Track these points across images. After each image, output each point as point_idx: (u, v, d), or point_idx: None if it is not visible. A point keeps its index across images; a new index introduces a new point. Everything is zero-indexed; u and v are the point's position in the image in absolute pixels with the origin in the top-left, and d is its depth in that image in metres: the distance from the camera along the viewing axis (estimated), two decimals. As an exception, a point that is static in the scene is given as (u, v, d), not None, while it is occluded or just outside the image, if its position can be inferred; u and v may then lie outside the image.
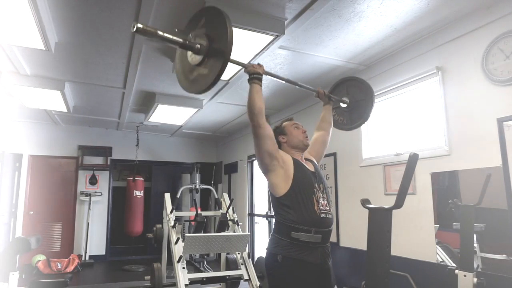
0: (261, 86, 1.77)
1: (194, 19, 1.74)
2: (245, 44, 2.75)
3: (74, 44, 3.04)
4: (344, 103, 2.40)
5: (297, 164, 1.83)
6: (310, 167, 1.92)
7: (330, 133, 2.25)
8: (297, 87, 2.22)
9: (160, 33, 1.52)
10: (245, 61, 3.07)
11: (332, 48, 3.04)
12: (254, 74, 1.76)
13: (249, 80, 1.77)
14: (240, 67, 3.23)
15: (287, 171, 1.77)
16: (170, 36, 1.58)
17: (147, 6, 2.41)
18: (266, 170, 1.79)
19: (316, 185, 1.82)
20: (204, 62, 1.64)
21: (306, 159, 1.98)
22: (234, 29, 2.45)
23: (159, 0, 2.35)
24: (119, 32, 2.82)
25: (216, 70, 1.57)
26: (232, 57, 1.60)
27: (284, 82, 2.16)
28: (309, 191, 1.77)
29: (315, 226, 1.71)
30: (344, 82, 2.50)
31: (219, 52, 1.56)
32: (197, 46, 1.63)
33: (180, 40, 1.62)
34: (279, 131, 1.96)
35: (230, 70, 3.34)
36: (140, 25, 1.44)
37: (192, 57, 1.69)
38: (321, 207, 1.77)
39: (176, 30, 1.74)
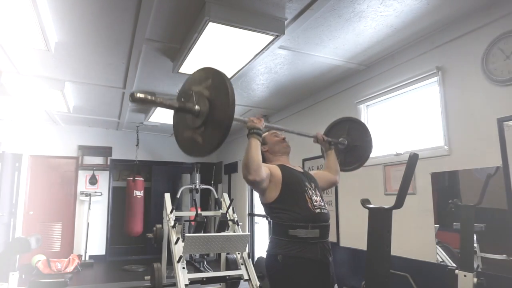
0: (260, 141, 1.76)
1: (200, 74, 1.64)
2: (245, 44, 2.76)
3: (74, 44, 3.04)
4: (342, 144, 2.36)
5: (284, 168, 1.87)
6: (298, 169, 1.98)
7: (338, 180, 2.20)
8: (298, 134, 2.22)
9: (159, 100, 1.46)
10: (245, 61, 3.10)
11: (332, 48, 3.04)
12: (253, 129, 1.75)
13: (248, 135, 1.75)
14: (239, 69, 3.24)
15: (276, 181, 1.80)
16: (168, 103, 1.51)
17: (147, 6, 2.41)
18: (263, 193, 1.82)
19: (307, 183, 1.86)
20: (202, 127, 1.55)
21: (298, 166, 2.04)
22: (234, 29, 2.49)
23: (158, 0, 2.36)
24: (119, 32, 2.82)
25: (215, 142, 1.49)
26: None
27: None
28: (300, 189, 1.81)
29: (311, 222, 1.73)
30: (347, 122, 2.44)
31: (218, 124, 1.48)
32: (197, 108, 1.54)
33: (178, 106, 1.54)
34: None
35: (230, 70, 3.34)
36: (139, 95, 1.38)
37: (193, 120, 1.59)
38: (315, 203, 1.79)
39: (177, 91, 1.66)
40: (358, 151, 2.34)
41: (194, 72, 1.66)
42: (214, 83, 1.52)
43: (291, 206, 1.75)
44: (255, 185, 1.74)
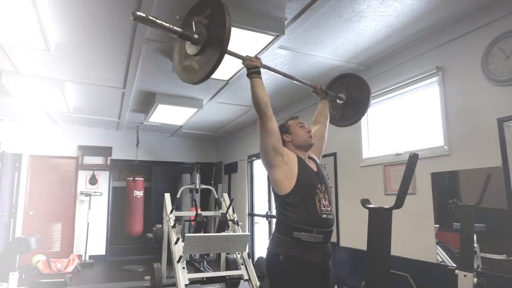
0: (261, 78, 1.79)
1: (199, 6, 1.75)
2: (245, 44, 2.75)
3: (74, 44, 3.04)
4: (340, 99, 2.40)
5: (301, 162, 1.83)
6: (314, 167, 1.91)
7: (327, 126, 2.25)
8: (295, 81, 2.23)
9: (159, 21, 1.54)
10: (245, 61, 3.09)
11: (332, 48, 3.04)
12: (252, 68, 1.78)
13: (248, 75, 1.80)
14: (239, 69, 3.24)
15: (292, 168, 1.77)
16: (169, 25, 1.59)
17: (147, 6, 2.40)
18: (270, 165, 1.78)
19: (319, 186, 1.82)
20: (201, 52, 1.66)
21: (309, 158, 1.98)
22: (234, 29, 2.49)
23: (159, 1, 2.35)
24: (119, 32, 2.82)
25: (213, 61, 1.58)
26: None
27: (281, 76, 2.17)
28: (312, 191, 1.77)
29: (316, 226, 1.71)
30: (346, 78, 2.50)
31: (216, 43, 1.58)
32: (196, 36, 1.64)
33: (179, 30, 1.63)
34: (284, 130, 1.93)
35: (230, 70, 3.34)
36: (139, 13, 1.46)
37: (190, 47, 1.71)
38: (323, 208, 1.77)
39: (178, 17, 1.74)
40: (357, 105, 2.39)
41: (196, 3, 1.75)
42: (213, 11, 1.61)
43: (301, 205, 1.72)
44: (266, 121, 1.74)
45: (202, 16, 1.67)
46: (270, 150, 1.75)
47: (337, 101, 2.41)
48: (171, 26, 1.60)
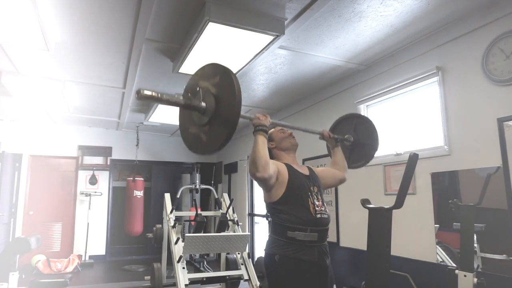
0: (266, 138, 1.73)
1: (207, 70, 1.64)
2: (245, 44, 2.75)
3: (74, 44, 3.04)
4: (348, 141, 2.32)
5: (290, 169, 1.86)
6: (305, 171, 1.95)
7: (347, 177, 2.15)
8: (303, 130, 2.18)
9: (165, 98, 1.46)
10: (245, 61, 3.10)
11: (332, 48, 3.04)
12: (260, 126, 1.72)
13: (254, 132, 1.73)
14: (239, 69, 3.24)
15: (283, 180, 1.80)
16: (175, 100, 1.50)
17: (147, 6, 2.41)
18: (269, 190, 1.81)
19: (311, 188, 1.86)
20: (209, 124, 1.55)
21: (304, 166, 2.02)
22: (234, 29, 2.50)
23: (158, 1, 2.35)
24: (119, 32, 2.82)
25: (221, 139, 1.49)
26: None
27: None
28: (303, 194, 1.80)
29: (310, 225, 1.74)
30: (354, 118, 2.39)
31: (224, 123, 1.47)
32: (203, 105, 1.53)
33: (186, 102, 1.54)
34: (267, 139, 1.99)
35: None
36: (145, 93, 1.38)
37: (197, 116, 1.59)
38: (317, 208, 1.80)
39: (176, 95, 1.63)
40: (364, 149, 2.31)
41: (203, 66, 1.65)
42: (222, 81, 1.51)
43: (293, 210, 1.76)
44: (262, 182, 1.72)
45: (210, 82, 1.56)
46: (270, 186, 1.77)
47: (345, 142, 2.33)
48: (177, 99, 1.51)
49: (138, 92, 1.37)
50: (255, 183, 6.15)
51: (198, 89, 1.58)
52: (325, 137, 2.17)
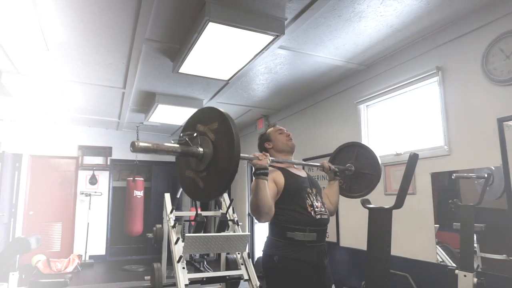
0: (267, 180, 1.69)
1: (206, 115, 1.58)
2: (245, 44, 2.75)
3: (74, 44, 3.04)
4: (349, 171, 2.27)
5: (286, 173, 1.85)
6: (303, 174, 1.96)
7: (334, 213, 2.10)
8: (303, 164, 2.15)
9: (160, 148, 1.41)
10: (245, 61, 3.10)
11: (332, 48, 3.04)
12: (260, 169, 1.66)
13: (255, 175, 1.68)
14: (239, 69, 3.24)
15: (279, 185, 1.79)
16: (171, 148, 1.46)
17: (147, 6, 2.41)
18: None
19: (309, 189, 1.86)
20: (206, 171, 1.49)
21: (303, 170, 2.02)
22: (234, 29, 2.50)
23: (158, 1, 2.35)
24: (119, 32, 2.82)
25: (219, 189, 1.44)
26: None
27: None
28: (302, 195, 1.81)
29: (309, 226, 1.74)
30: (356, 147, 2.34)
31: (221, 172, 1.42)
32: (200, 151, 1.48)
33: (183, 149, 1.49)
34: (264, 139, 2.01)
35: (230, 70, 3.34)
36: (141, 145, 1.34)
37: (194, 162, 1.54)
38: (316, 209, 1.80)
39: (172, 140, 1.55)
40: (365, 179, 2.24)
41: (203, 109, 1.60)
42: (221, 129, 1.45)
43: (291, 210, 1.76)
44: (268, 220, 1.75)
45: (208, 128, 1.51)
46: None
47: (346, 172, 2.29)
48: (173, 147, 1.46)
49: (133, 145, 1.32)
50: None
51: (196, 134, 1.53)
52: (325, 169, 2.13)
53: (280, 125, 2.09)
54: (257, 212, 1.65)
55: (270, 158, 1.74)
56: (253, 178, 1.69)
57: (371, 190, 2.21)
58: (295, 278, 1.70)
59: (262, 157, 1.69)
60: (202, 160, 1.48)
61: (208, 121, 1.52)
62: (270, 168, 1.78)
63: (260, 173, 1.65)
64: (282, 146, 1.97)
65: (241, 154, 1.44)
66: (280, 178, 1.81)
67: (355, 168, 2.26)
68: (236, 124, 1.47)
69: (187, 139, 1.52)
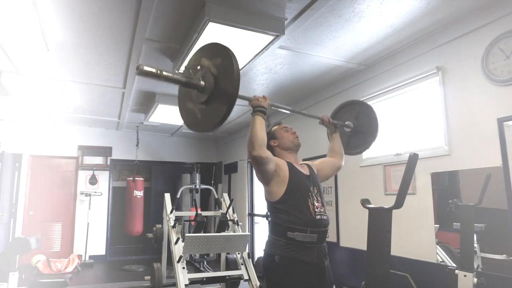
0: (264, 118, 1.73)
1: (211, 49, 1.66)
2: (245, 44, 2.75)
3: (74, 44, 3.04)
4: (348, 127, 2.31)
5: (291, 168, 1.84)
6: (305, 171, 1.94)
7: (342, 163, 2.16)
8: (303, 114, 2.20)
9: (164, 74, 1.48)
10: (245, 61, 3.10)
11: (332, 48, 3.04)
12: (258, 107, 1.72)
13: (252, 113, 1.73)
14: (241, 67, 3.24)
15: (283, 177, 1.78)
16: (173, 76, 1.53)
17: (147, 6, 2.41)
18: (266, 182, 1.80)
19: (311, 188, 1.85)
20: (206, 103, 1.59)
21: (304, 164, 2.00)
22: (234, 29, 2.50)
23: (158, 2, 2.35)
24: (119, 32, 2.82)
25: (218, 118, 1.52)
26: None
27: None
28: (304, 194, 1.79)
29: (310, 227, 1.73)
30: (358, 105, 2.37)
31: (220, 104, 1.52)
32: (202, 83, 1.57)
33: (185, 79, 1.56)
34: (269, 136, 1.97)
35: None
36: (144, 69, 1.40)
37: (195, 93, 1.63)
38: (316, 210, 1.79)
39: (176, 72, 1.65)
40: (363, 137, 2.30)
41: (208, 44, 1.68)
42: (223, 63, 1.53)
43: (293, 210, 1.75)
44: (259, 162, 1.69)
45: (211, 62, 1.59)
46: (268, 175, 1.76)
47: (344, 128, 2.33)
48: (175, 76, 1.53)
49: (138, 68, 1.39)
50: (255, 183, 6.15)
51: (199, 67, 1.61)
52: (325, 122, 2.18)
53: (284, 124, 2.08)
54: (250, 144, 1.66)
55: (270, 102, 1.80)
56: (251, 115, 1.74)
57: (365, 149, 2.30)
58: (296, 278, 1.70)
59: (262, 98, 1.75)
60: (204, 92, 1.58)
61: (213, 56, 1.60)
62: (276, 158, 1.81)
63: (257, 110, 1.72)
64: (289, 144, 1.95)
65: (239, 94, 1.54)
66: (284, 167, 1.81)
67: (354, 125, 2.32)
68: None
69: (190, 70, 1.60)
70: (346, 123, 2.32)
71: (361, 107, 2.37)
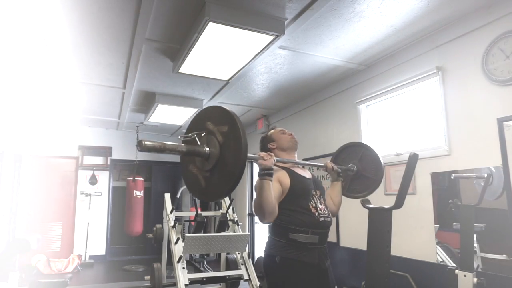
0: (272, 181, 1.68)
1: (217, 114, 1.56)
2: (245, 44, 2.75)
3: (74, 44, 3.04)
4: (351, 171, 2.26)
5: (292, 174, 1.86)
6: (307, 174, 1.96)
7: (337, 213, 2.15)
8: (306, 163, 2.16)
9: (168, 147, 1.41)
10: (245, 61, 3.10)
11: (332, 48, 3.04)
12: (265, 170, 1.66)
13: (260, 175, 1.69)
14: (239, 69, 3.24)
15: (285, 188, 1.79)
16: (177, 148, 1.45)
17: (147, 6, 2.41)
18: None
19: (313, 191, 1.86)
20: (211, 172, 1.49)
21: (307, 170, 2.03)
22: (234, 29, 2.49)
23: (158, 2, 2.35)
24: (119, 32, 2.82)
25: (227, 187, 1.42)
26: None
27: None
28: (306, 196, 1.81)
29: (312, 228, 1.74)
30: (362, 148, 2.31)
31: (226, 174, 1.41)
32: (206, 150, 1.48)
33: (189, 149, 1.48)
34: (267, 140, 2.02)
35: (230, 70, 3.34)
36: (148, 144, 1.35)
37: (200, 160, 1.54)
38: (320, 211, 1.80)
39: (180, 137, 1.55)
40: (366, 182, 2.23)
41: (215, 107, 1.58)
42: (230, 134, 1.43)
43: (295, 212, 1.76)
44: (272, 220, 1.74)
45: (217, 129, 1.49)
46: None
47: (348, 172, 2.28)
48: (180, 148, 1.45)
49: (140, 143, 1.33)
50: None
51: (203, 133, 1.52)
52: (328, 169, 2.12)
53: (280, 126, 2.10)
54: (260, 212, 1.65)
55: (275, 158, 1.75)
56: (258, 177, 1.70)
57: (369, 194, 2.20)
58: (297, 279, 1.70)
59: (267, 157, 1.69)
60: (208, 160, 1.48)
61: (219, 122, 1.50)
62: (275, 167, 1.77)
63: (265, 173, 1.66)
64: (287, 144, 1.98)
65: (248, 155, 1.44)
66: (285, 178, 1.81)
67: (358, 169, 2.25)
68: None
69: (195, 135, 1.53)
70: (349, 165, 2.26)
71: (365, 151, 2.28)
